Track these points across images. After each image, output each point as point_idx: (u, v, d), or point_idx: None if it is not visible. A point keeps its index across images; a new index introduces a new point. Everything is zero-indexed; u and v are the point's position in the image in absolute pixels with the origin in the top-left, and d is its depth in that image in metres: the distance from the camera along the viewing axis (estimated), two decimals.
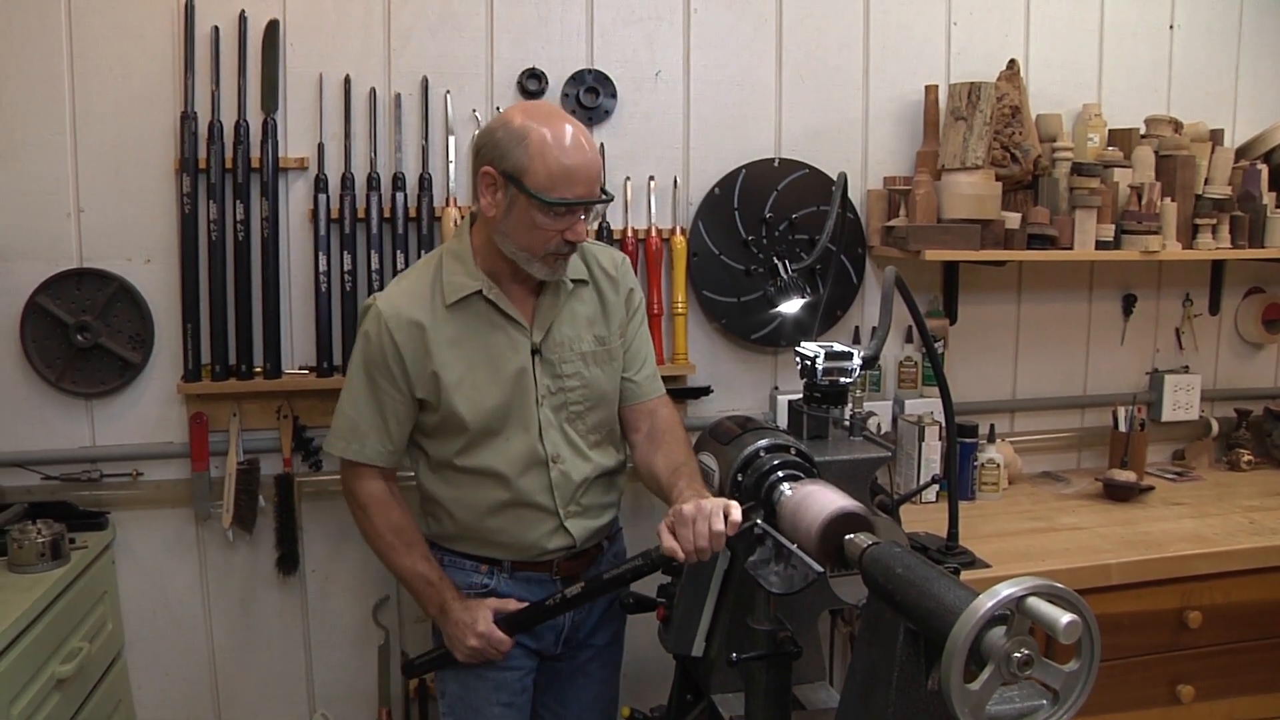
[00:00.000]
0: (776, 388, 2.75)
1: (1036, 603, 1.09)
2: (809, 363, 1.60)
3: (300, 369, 2.44)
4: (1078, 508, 2.67)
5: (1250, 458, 3.02)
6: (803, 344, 1.65)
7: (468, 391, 1.85)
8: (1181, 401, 3.03)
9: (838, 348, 1.60)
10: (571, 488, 1.94)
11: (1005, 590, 1.10)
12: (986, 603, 1.10)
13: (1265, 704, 2.44)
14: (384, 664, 2.59)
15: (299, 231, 2.43)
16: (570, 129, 1.73)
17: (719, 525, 1.60)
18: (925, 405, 2.76)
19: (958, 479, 2.31)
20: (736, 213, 2.62)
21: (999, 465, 2.74)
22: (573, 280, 1.92)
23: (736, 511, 1.62)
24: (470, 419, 1.86)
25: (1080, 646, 1.11)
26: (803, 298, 2.02)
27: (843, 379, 1.59)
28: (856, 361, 1.57)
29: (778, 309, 2.07)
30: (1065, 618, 1.05)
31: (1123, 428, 2.90)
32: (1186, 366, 3.10)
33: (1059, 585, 1.11)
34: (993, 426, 2.80)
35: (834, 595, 1.86)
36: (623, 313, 1.99)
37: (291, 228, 2.43)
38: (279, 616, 2.57)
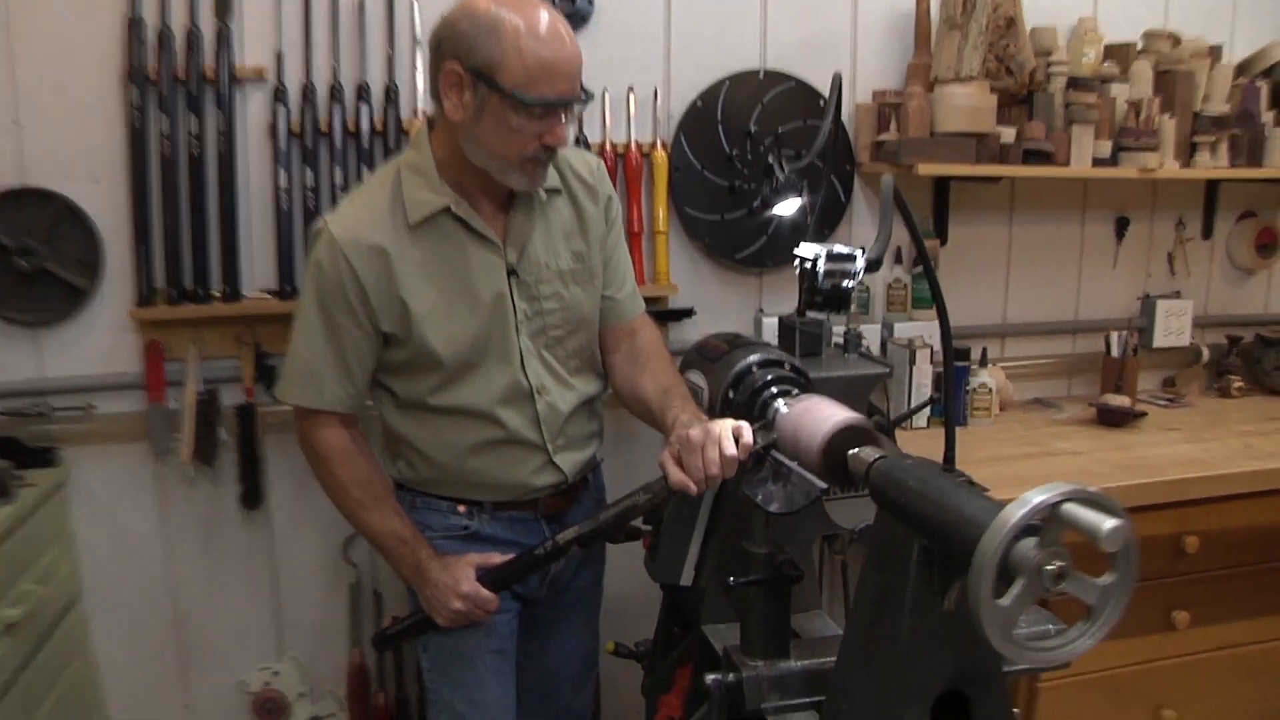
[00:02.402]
0: (761, 310, 2.66)
1: (1074, 509, 1.00)
2: (808, 265, 1.49)
3: (261, 292, 2.31)
4: (1071, 433, 2.61)
5: (1241, 384, 2.96)
6: (802, 244, 1.54)
7: (441, 322, 1.68)
8: (1173, 327, 2.96)
9: (839, 248, 1.49)
10: (559, 420, 1.80)
11: (1037, 497, 1.01)
12: (1018, 511, 1.00)
13: (1260, 628, 2.40)
14: (356, 603, 2.50)
15: (257, 146, 2.28)
16: (546, 16, 1.54)
17: (731, 449, 1.47)
18: (915, 329, 2.69)
19: (954, 400, 2.23)
20: (720, 126, 2.50)
21: (991, 390, 2.67)
22: (546, 190, 1.75)
23: (748, 433, 1.49)
24: (445, 353, 1.69)
25: (1116, 557, 1.02)
26: (800, 197, 1.91)
27: (845, 282, 1.49)
28: (860, 263, 1.47)
29: (774, 211, 1.96)
30: (1109, 522, 0.96)
31: (1115, 353, 2.83)
32: (1178, 292, 3.02)
33: (1095, 489, 1.02)
34: (985, 350, 2.73)
35: (828, 520, 1.79)
36: (601, 225, 1.84)
37: (249, 142, 2.28)
38: (244, 555, 2.46)
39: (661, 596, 2.03)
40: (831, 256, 1.49)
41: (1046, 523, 1.01)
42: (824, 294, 1.49)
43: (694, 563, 1.80)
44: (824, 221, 2.60)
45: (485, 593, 1.74)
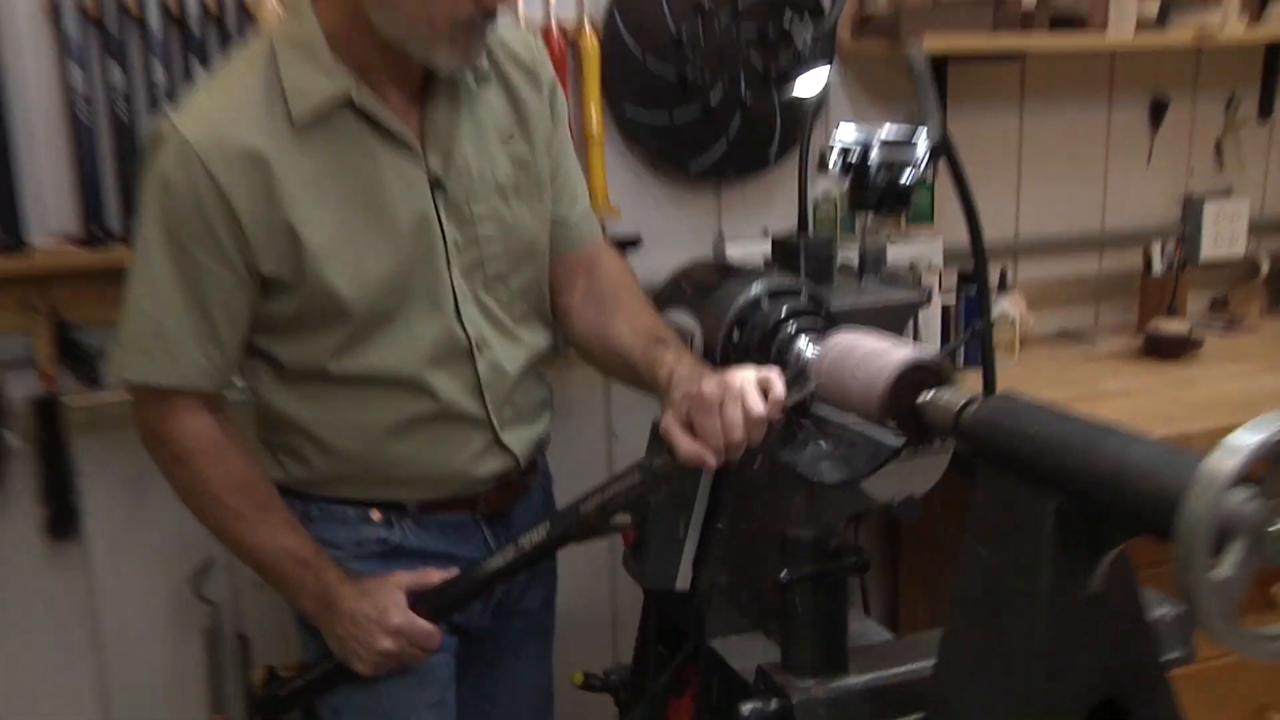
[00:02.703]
0: (722, 234, 2.63)
1: None
2: (853, 154, 1.40)
3: (59, 239, 2.16)
4: (1117, 369, 2.65)
5: None
6: (840, 125, 1.45)
7: (345, 256, 1.54)
8: (1224, 234, 3.01)
9: (893, 131, 1.41)
10: (506, 385, 1.69)
11: (1256, 435, 0.92)
12: (1233, 456, 0.92)
13: None
14: (214, 653, 2.39)
15: (33, 33, 2.10)
16: None
17: (758, 406, 1.38)
18: (912, 250, 2.66)
19: (990, 333, 2.20)
20: None
21: (1014, 322, 2.69)
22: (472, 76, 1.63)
23: (779, 383, 1.40)
24: (353, 298, 1.54)
25: None
26: (829, 66, 1.84)
27: (906, 173, 1.40)
28: (923, 149, 1.38)
29: (795, 91, 1.89)
30: None
31: (1157, 269, 2.84)
32: (1229, 189, 3.06)
33: None
34: (1004, 273, 2.74)
35: (859, 494, 1.74)
36: (546, 121, 1.73)
37: (18, 26, 2.10)
38: (51, 601, 2.33)
39: (642, 607, 1.97)
40: (886, 142, 1.40)
41: (1269, 467, 0.93)
42: (880, 192, 1.40)
43: (691, 560, 1.73)
44: (793, 127, 2.56)
45: (422, 624, 1.62)
